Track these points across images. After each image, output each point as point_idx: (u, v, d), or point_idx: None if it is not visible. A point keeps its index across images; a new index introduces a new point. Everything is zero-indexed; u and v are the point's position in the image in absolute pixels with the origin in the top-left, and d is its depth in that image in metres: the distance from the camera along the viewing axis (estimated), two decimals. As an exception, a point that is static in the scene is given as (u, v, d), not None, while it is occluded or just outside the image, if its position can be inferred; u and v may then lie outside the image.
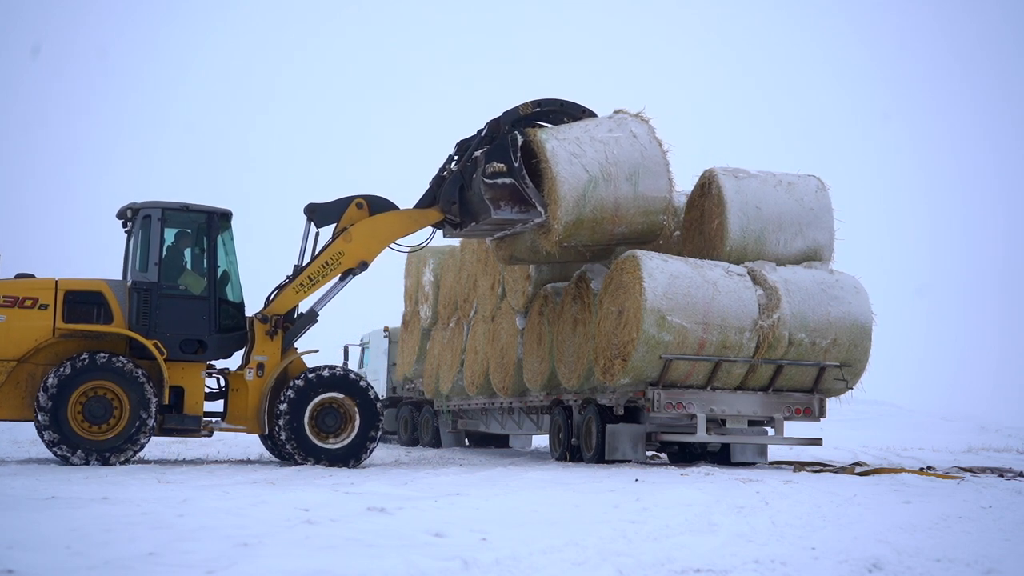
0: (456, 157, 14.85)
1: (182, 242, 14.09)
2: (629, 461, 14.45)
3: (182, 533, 6.31)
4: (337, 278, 14.54)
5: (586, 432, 15.11)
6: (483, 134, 14.58)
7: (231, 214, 14.36)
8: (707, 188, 15.25)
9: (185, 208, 13.97)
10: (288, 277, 14.51)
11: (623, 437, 14.57)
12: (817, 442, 15.13)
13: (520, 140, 14.07)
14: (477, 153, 14.29)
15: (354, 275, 14.57)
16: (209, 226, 13.96)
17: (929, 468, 15.03)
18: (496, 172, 13.88)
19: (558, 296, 16.30)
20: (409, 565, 5.38)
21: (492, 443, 22.94)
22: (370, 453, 14.20)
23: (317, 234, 14.71)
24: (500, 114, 14.61)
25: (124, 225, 14.35)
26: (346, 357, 27.74)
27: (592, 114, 14.80)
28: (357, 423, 13.98)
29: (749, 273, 14.44)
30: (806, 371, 14.40)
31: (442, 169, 14.97)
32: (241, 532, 6.31)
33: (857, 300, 14.58)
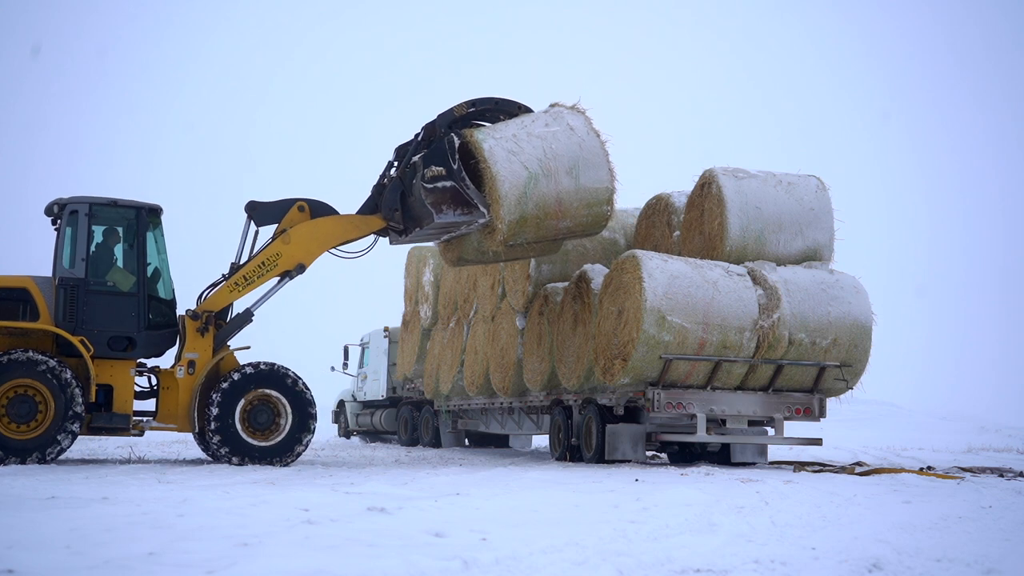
0: (395, 163, 14.69)
1: (112, 238, 13.89)
2: (629, 461, 14.46)
3: (182, 533, 6.31)
4: (274, 280, 14.39)
5: (586, 432, 15.12)
6: (420, 138, 14.37)
7: (161, 210, 14.18)
8: (707, 188, 15.26)
9: (113, 203, 13.78)
10: (224, 275, 14.37)
11: (623, 437, 14.57)
12: (817, 442, 15.13)
13: (457, 142, 13.84)
14: (415, 158, 14.10)
15: (291, 277, 14.41)
16: (138, 222, 13.78)
17: (929, 468, 15.03)
18: (435, 176, 13.69)
19: (558, 296, 16.31)
20: (409, 565, 5.38)
21: (492, 443, 22.95)
22: (304, 450, 14.04)
23: (256, 232, 14.58)
24: (435, 117, 14.38)
25: (53, 222, 14.09)
26: (346, 357, 27.79)
27: (528, 110, 14.62)
28: (289, 420, 13.86)
29: (749, 273, 14.44)
30: (806, 371, 14.41)
31: (382, 176, 14.80)
32: (241, 532, 6.31)
33: (857, 300, 14.59)
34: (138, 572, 5.11)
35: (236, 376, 13.80)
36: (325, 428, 32.05)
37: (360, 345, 27.49)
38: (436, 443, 22.40)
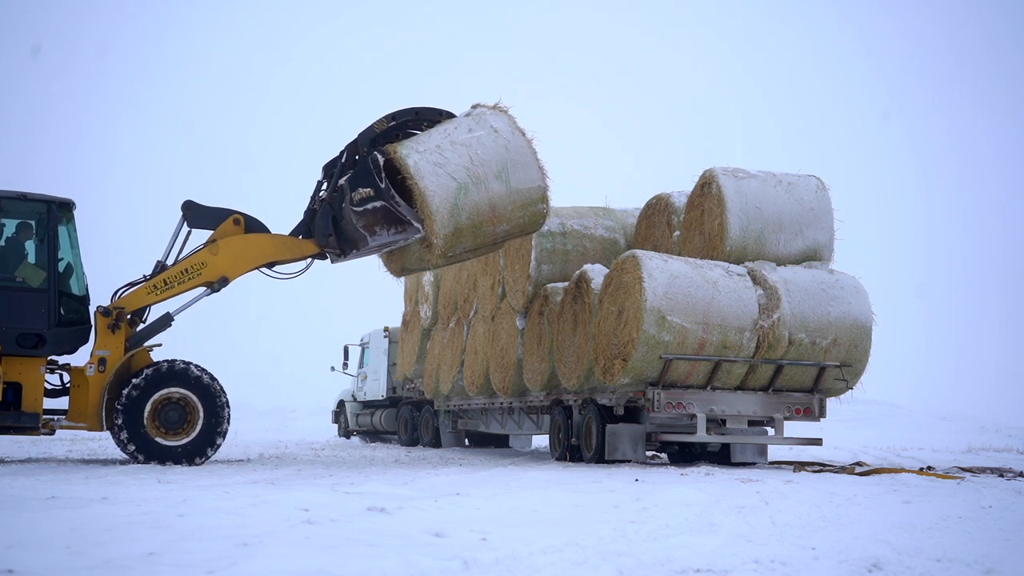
0: (324, 182, 14.39)
1: (23, 233, 13.67)
2: (629, 461, 14.46)
3: (182, 533, 6.31)
4: (196, 289, 14.12)
5: (586, 432, 15.12)
6: (343, 159, 14.05)
7: (73, 204, 13.95)
8: (707, 188, 15.26)
9: (23, 197, 13.54)
10: (144, 276, 14.12)
11: (623, 437, 14.57)
12: (817, 442, 15.13)
13: (381, 160, 13.54)
14: (341, 181, 13.83)
15: (213, 290, 14.13)
16: (49, 216, 13.54)
17: (929, 468, 15.03)
18: (364, 198, 13.43)
19: (558, 296, 16.31)
20: (409, 565, 5.38)
21: (492, 443, 22.96)
22: (216, 450, 13.79)
23: (189, 233, 14.35)
24: (356, 136, 14.06)
25: None
26: (346, 357, 27.82)
27: (450, 115, 14.29)
28: (201, 419, 13.62)
29: (749, 273, 14.45)
30: (806, 371, 14.41)
31: (313, 198, 14.52)
32: (241, 532, 6.31)
33: (857, 300, 14.59)
34: (138, 572, 5.11)
35: (146, 374, 13.53)
36: (325, 428, 32.16)
37: (360, 345, 27.50)
38: (436, 443, 22.40)
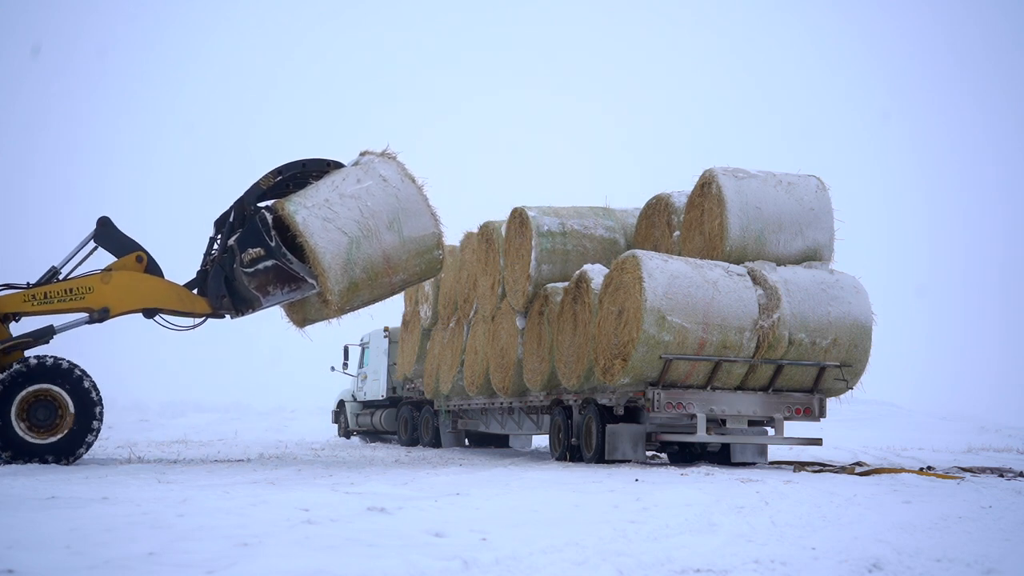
0: (217, 238, 14.15)
1: None
2: (629, 461, 14.46)
3: (182, 533, 6.31)
4: (76, 312, 13.92)
5: (586, 432, 15.12)
6: (232, 218, 13.83)
7: None
8: (707, 188, 15.26)
9: None
10: (28, 283, 13.94)
11: (623, 437, 14.57)
12: (817, 442, 15.13)
13: (270, 217, 13.40)
14: (231, 242, 13.67)
15: (92, 319, 13.88)
16: None
17: (929, 468, 15.02)
18: (255, 258, 13.30)
19: (558, 296, 16.31)
20: (409, 565, 5.38)
21: (492, 443, 22.96)
22: (88, 448, 13.54)
23: (95, 249, 14.19)
24: (243, 193, 13.87)
25: None
26: (346, 357, 27.82)
27: (338, 165, 14.17)
28: (72, 417, 13.36)
29: (749, 273, 14.45)
30: (806, 371, 14.41)
31: (206, 256, 14.32)
32: (241, 532, 6.31)
33: (857, 300, 14.60)
34: (138, 572, 5.11)
35: (14, 370, 13.32)
36: (325, 428, 32.14)
37: (360, 345, 27.50)
38: (436, 443, 22.40)
